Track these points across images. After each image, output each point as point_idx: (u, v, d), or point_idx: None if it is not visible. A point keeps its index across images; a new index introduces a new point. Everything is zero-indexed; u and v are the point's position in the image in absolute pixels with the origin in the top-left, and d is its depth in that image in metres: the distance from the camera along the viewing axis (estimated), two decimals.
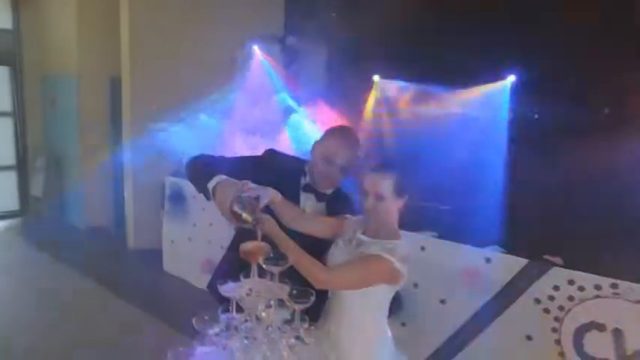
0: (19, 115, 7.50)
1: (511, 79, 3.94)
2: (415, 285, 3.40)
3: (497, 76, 3.97)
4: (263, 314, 1.38)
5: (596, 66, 3.40)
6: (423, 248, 3.36)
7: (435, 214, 3.76)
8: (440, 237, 3.47)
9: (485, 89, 3.99)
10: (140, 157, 6.00)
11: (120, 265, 5.87)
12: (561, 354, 2.82)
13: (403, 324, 3.44)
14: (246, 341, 1.40)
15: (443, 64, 3.95)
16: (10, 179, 7.74)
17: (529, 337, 2.96)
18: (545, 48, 3.61)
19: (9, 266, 5.86)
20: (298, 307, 1.40)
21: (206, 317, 1.43)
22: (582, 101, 3.47)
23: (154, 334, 3.97)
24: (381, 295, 1.84)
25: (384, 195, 1.78)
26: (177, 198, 5.38)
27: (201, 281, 3.89)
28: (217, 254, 2.57)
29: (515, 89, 3.92)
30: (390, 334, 1.93)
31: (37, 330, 4.16)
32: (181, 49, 5.84)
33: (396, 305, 3.45)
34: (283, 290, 1.41)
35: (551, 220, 3.48)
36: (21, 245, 6.60)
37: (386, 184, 1.77)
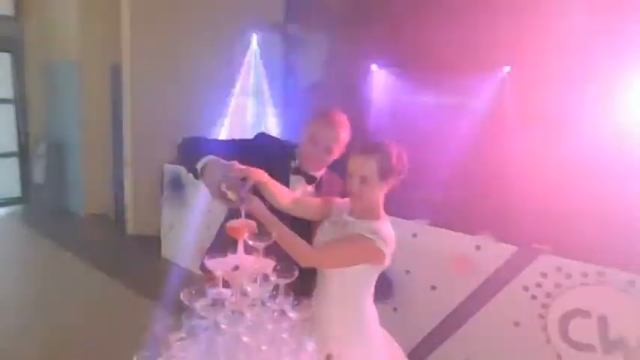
0: (20, 102, 7.54)
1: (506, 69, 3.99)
2: (407, 272, 3.46)
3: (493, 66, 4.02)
4: (248, 289, 1.43)
5: None
6: (414, 235, 3.41)
7: (426, 202, 3.79)
8: (431, 224, 3.51)
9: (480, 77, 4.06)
10: (140, 144, 6.08)
11: (119, 251, 5.96)
12: (548, 340, 2.88)
13: (395, 309, 3.50)
14: (232, 315, 1.45)
15: (439, 53, 3.99)
16: (12, 166, 7.80)
17: (517, 324, 3.01)
18: None
19: (10, 252, 5.95)
20: (282, 282, 1.46)
21: (193, 292, 1.48)
22: None
23: (150, 315, 4.04)
24: (366, 275, 1.89)
25: (368, 177, 1.82)
26: (176, 185, 5.45)
27: (197, 267, 3.95)
28: None
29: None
30: (376, 313, 1.98)
31: (39, 312, 4.26)
32: (182, 36, 5.87)
33: (388, 291, 3.52)
34: (268, 265, 1.46)
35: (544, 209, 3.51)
36: (23, 231, 6.68)
37: (370, 167, 1.81)
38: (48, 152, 7.38)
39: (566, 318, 2.78)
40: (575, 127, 3.34)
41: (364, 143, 1.89)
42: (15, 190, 7.84)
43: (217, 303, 1.48)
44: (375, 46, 4.72)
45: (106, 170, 7.10)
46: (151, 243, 5.76)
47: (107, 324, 4.05)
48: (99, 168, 7.07)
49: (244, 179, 1.71)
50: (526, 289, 2.95)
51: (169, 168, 5.53)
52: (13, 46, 7.34)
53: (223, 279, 1.45)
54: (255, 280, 1.44)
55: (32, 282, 5.00)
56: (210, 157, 1.80)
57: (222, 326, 1.39)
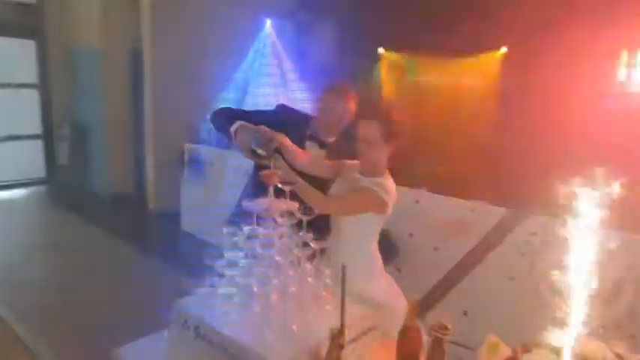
0: (44, 86, 7.93)
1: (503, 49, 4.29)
2: (410, 235, 3.81)
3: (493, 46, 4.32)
4: (279, 220, 1.78)
5: None
6: (417, 202, 3.76)
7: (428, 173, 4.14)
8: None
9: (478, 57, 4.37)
10: (160, 125, 6.44)
11: (142, 226, 6.36)
12: (535, 291, 3.21)
13: (399, 269, 3.85)
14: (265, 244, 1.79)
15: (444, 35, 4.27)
16: (37, 148, 8.22)
17: (510, 278, 3.35)
18: None
19: (39, 228, 6.36)
20: (305, 218, 1.81)
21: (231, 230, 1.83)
22: None
23: (175, 281, 4.40)
24: (371, 223, 2.23)
25: (373, 140, 2.13)
26: (196, 162, 5.82)
27: (217, 238, 4.30)
28: None
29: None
30: (380, 259, 2.34)
31: (71, 282, 4.62)
32: (199, 23, 6.19)
33: (393, 253, 3.87)
34: (293, 205, 1.82)
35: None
36: (49, 210, 7.11)
37: (373, 130, 2.12)
38: (71, 134, 7.78)
39: (550, 268, 3.11)
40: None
41: (370, 109, 2.22)
42: (40, 171, 8.26)
43: (252, 236, 1.82)
44: (382, 30, 5.01)
45: (128, 151, 7.50)
46: (172, 218, 6.14)
47: (136, 291, 4.39)
48: (120, 149, 7.46)
49: (270, 140, 2.07)
50: (517, 247, 3.29)
51: (189, 146, 5.90)
52: (37, 33, 7.70)
53: (257, 216, 1.81)
54: (283, 216, 1.79)
55: (63, 254, 5.37)
56: (241, 122, 2.16)
57: (259, 251, 1.75)
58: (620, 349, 1.34)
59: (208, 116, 2.46)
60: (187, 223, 6.02)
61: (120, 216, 6.69)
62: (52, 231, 6.33)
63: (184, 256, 5.05)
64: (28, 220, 6.70)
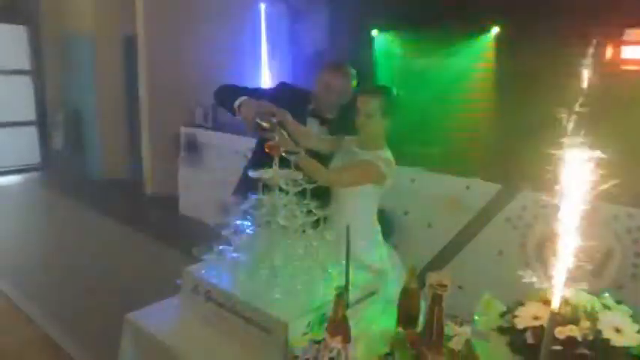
0: (38, 72, 7.92)
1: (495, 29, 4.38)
2: (406, 212, 3.91)
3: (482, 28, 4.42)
4: (284, 187, 1.86)
5: None
6: (412, 180, 3.85)
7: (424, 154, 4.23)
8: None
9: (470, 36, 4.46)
10: (155, 109, 6.47)
11: (140, 209, 6.42)
12: (526, 264, 3.34)
13: (395, 246, 3.95)
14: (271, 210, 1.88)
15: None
16: (31, 134, 8.24)
17: (500, 252, 3.47)
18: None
19: (37, 213, 6.41)
20: (308, 186, 1.89)
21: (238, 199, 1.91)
22: None
23: (174, 260, 4.48)
24: (370, 195, 2.33)
25: (373, 114, 2.22)
26: (192, 146, 5.87)
27: (215, 221, 4.37)
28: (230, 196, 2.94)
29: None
30: (380, 230, 2.44)
31: (72, 263, 4.69)
32: (192, 8, 6.20)
33: (388, 231, 3.96)
34: (297, 175, 1.90)
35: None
36: (45, 195, 7.15)
37: (374, 104, 2.21)
38: (65, 120, 7.79)
39: (541, 242, 3.24)
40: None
41: (369, 86, 2.31)
42: (34, 157, 8.28)
43: (258, 206, 1.91)
44: (374, 14, 5.07)
45: (122, 136, 7.53)
46: (168, 201, 6.22)
47: (132, 266, 4.51)
48: (114, 134, 7.50)
49: (273, 114, 2.14)
50: (508, 220, 3.40)
51: (185, 130, 5.95)
52: (29, 19, 7.68)
53: (263, 185, 1.89)
54: (287, 184, 1.87)
55: (62, 237, 5.44)
56: (244, 97, 2.24)
57: (265, 218, 1.83)
58: (608, 300, 1.43)
59: (212, 92, 2.52)
60: (185, 206, 6.08)
61: (117, 200, 6.74)
62: (49, 213, 6.40)
63: (185, 238, 5.17)
64: (24, 205, 6.74)
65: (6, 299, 3.90)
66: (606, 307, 1.40)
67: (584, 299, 1.40)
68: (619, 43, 3.74)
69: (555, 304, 1.21)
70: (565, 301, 1.35)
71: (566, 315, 1.34)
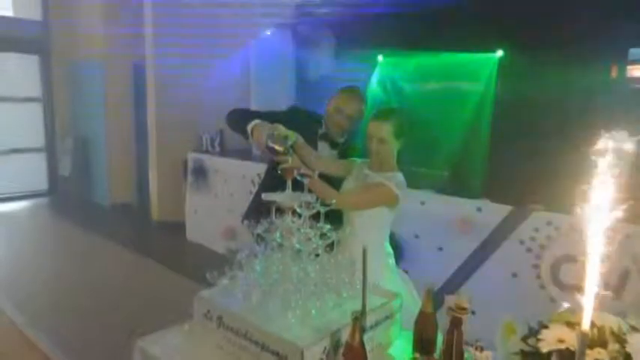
0: (47, 100, 8.02)
1: (499, 52, 4.41)
2: (416, 236, 3.87)
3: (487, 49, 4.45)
4: (298, 210, 1.84)
5: None
6: (422, 203, 3.82)
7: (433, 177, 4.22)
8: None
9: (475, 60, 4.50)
10: (163, 136, 6.51)
11: (146, 235, 6.40)
12: (542, 286, 3.28)
13: (405, 271, 3.90)
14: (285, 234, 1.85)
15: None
16: (40, 160, 8.30)
17: (514, 275, 3.42)
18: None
19: (44, 238, 6.40)
20: (322, 210, 1.87)
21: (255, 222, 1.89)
22: None
23: (182, 287, 4.44)
24: (382, 217, 2.31)
25: (385, 138, 2.23)
26: (200, 172, 5.88)
27: (223, 247, 4.34)
28: (238, 222, 2.93)
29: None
30: (392, 254, 2.41)
31: (77, 288, 4.65)
32: (200, 37, 6.28)
33: (399, 254, 3.92)
34: (311, 197, 1.89)
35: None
36: (52, 220, 7.16)
37: (386, 129, 2.22)
38: (74, 147, 7.85)
39: (556, 264, 3.18)
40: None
41: (381, 110, 2.32)
42: (42, 183, 8.33)
43: (271, 229, 1.88)
44: (379, 41, 5.14)
45: (129, 162, 7.56)
46: (176, 228, 6.20)
47: (138, 291, 4.45)
48: (122, 160, 7.53)
49: (285, 137, 2.14)
50: (522, 242, 3.36)
51: (192, 156, 5.96)
52: (41, 49, 7.81)
53: (276, 208, 1.87)
54: (301, 206, 1.85)
55: (69, 262, 5.42)
56: (257, 120, 2.24)
57: (279, 241, 1.81)
58: (635, 321, 1.39)
59: (224, 117, 2.53)
60: (192, 232, 6.06)
61: (123, 226, 6.73)
62: (57, 239, 6.38)
63: (192, 265, 5.14)
64: (31, 231, 6.73)
65: (11, 324, 3.87)
66: (634, 329, 1.36)
67: (610, 321, 1.36)
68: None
69: (586, 325, 1.17)
70: (591, 323, 1.31)
71: (594, 337, 1.29)
